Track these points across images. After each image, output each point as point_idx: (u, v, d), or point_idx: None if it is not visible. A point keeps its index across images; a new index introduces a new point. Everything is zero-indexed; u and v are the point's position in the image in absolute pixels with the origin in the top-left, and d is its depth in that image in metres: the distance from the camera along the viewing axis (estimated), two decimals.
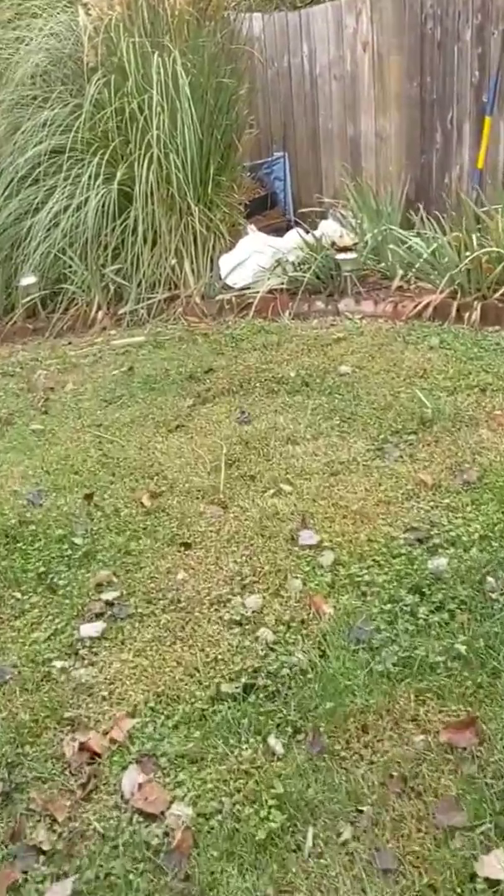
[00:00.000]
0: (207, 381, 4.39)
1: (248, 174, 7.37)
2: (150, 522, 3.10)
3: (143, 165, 5.55)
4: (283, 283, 5.46)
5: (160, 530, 3.04)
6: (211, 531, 2.99)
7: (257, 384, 4.24)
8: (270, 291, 5.47)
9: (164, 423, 3.95)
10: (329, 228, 5.75)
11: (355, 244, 5.23)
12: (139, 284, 5.77)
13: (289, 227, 7.25)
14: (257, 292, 5.53)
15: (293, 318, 5.28)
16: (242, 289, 5.68)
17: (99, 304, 5.86)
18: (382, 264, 5.66)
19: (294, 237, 5.63)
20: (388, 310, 5.05)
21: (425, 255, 5.13)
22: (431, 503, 2.97)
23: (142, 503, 3.21)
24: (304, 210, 6.69)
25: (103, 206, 5.61)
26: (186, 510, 3.14)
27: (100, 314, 5.80)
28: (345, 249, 5.22)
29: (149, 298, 5.75)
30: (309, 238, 5.61)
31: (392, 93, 6.08)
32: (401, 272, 5.45)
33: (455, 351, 4.29)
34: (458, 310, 4.78)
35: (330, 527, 2.90)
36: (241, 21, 6.33)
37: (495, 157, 5.52)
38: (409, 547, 2.75)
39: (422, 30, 5.76)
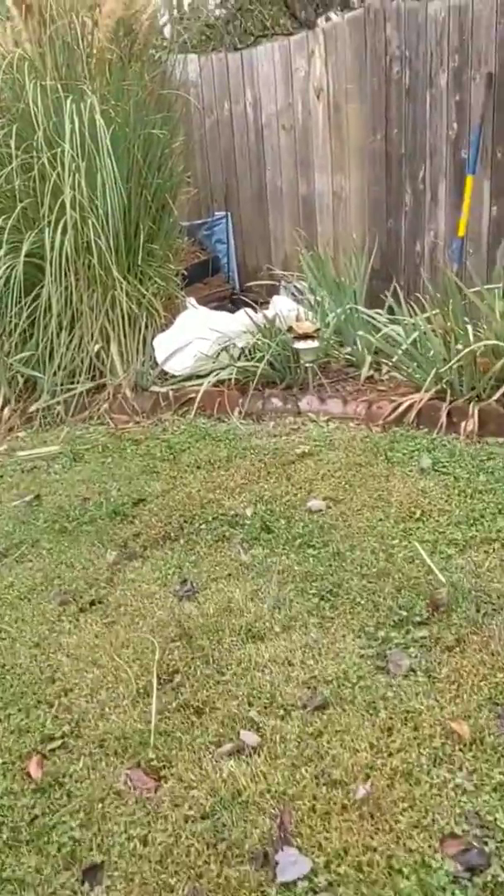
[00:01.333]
0: (137, 519, 3.28)
1: (187, 237, 6.34)
2: (37, 814, 1.95)
3: (56, 232, 4.47)
4: (231, 375, 4.41)
5: (52, 837, 1.90)
6: (134, 845, 1.85)
7: (202, 526, 3.15)
8: (216, 384, 4.42)
9: (74, 594, 2.82)
10: (283, 306, 4.73)
11: (317, 330, 4.21)
12: (55, 374, 4.67)
13: (233, 297, 6.25)
14: (200, 384, 4.48)
15: (245, 418, 4.22)
16: (182, 379, 4.63)
17: (6, 398, 4.74)
18: (348, 349, 4.66)
19: (242, 319, 4.59)
20: (361, 411, 4.02)
21: (405, 346, 4.13)
22: (475, 779, 1.90)
23: (28, 773, 2.07)
24: (251, 284, 5.67)
25: (8, 282, 4.51)
26: (97, 786, 2.00)
27: (5, 412, 4.67)
28: (305, 337, 4.19)
29: (67, 391, 4.65)
30: (260, 319, 4.58)
31: (351, 146, 5.13)
32: (369, 358, 4.45)
33: (456, 479, 3.26)
34: (449, 415, 3.77)
35: (324, 839, 1.77)
36: (174, 63, 5.33)
37: (478, 224, 4.57)
38: (453, 886, 1.66)
39: (387, 74, 4.82)
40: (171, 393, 4.46)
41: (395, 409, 3.93)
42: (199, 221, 6.29)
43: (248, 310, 4.67)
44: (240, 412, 4.26)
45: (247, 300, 5.88)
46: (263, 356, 4.35)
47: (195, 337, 4.63)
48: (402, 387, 4.25)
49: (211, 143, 6.03)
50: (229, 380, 4.40)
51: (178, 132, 5.21)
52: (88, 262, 4.63)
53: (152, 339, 4.92)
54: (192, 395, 4.41)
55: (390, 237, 5.06)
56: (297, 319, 4.49)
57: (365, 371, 4.42)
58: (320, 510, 3.18)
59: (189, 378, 4.58)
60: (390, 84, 4.81)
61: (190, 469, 3.69)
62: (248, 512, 3.20)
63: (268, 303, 5.59)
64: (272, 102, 5.55)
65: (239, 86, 5.74)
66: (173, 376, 4.68)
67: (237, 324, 4.58)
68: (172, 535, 3.14)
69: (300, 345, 4.18)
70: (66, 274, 4.58)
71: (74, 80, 4.58)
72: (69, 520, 3.34)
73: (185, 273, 5.66)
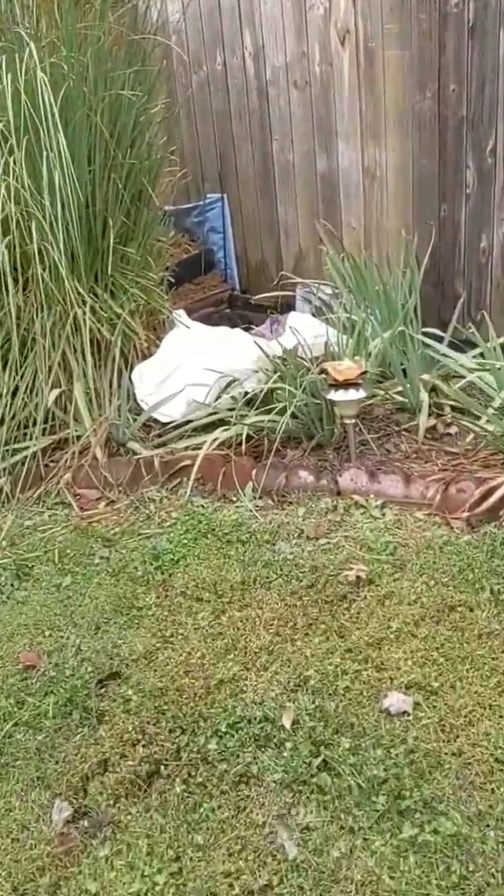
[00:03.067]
0: (105, 724, 1.98)
1: (172, 226, 4.98)
2: None
3: None
4: (240, 433, 3.10)
5: None
6: None
7: (211, 744, 1.84)
8: (222, 444, 3.11)
9: None
10: (304, 328, 3.40)
11: (363, 374, 2.89)
12: None
13: (232, 300, 4.92)
14: (197, 443, 3.16)
15: (261, 498, 2.92)
16: (175, 426, 3.32)
17: None
18: (392, 384, 3.35)
19: (250, 352, 3.25)
20: (433, 495, 2.73)
21: (498, 401, 2.82)
22: None
23: None
24: (258, 298, 4.32)
25: None
26: None
27: None
28: (345, 384, 2.88)
29: (14, 452, 3.33)
30: (274, 350, 3.25)
31: (390, 108, 3.77)
32: (426, 401, 3.15)
33: None
34: None
35: None
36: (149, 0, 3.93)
37: None
38: None
39: (441, 7, 3.46)
40: (157, 459, 3.14)
41: (486, 494, 2.63)
42: (188, 206, 4.91)
43: (259, 339, 3.34)
44: (254, 489, 2.96)
45: (249, 302, 4.58)
46: (284, 408, 3.03)
47: (187, 378, 3.32)
48: (483, 450, 2.95)
49: (200, 106, 4.64)
50: (237, 438, 3.09)
51: (156, 93, 3.82)
52: (38, 273, 3.29)
53: (130, 372, 3.62)
54: (187, 462, 3.10)
55: (444, 229, 3.72)
56: (331, 357, 3.16)
57: (424, 421, 3.12)
58: (404, 713, 1.90)
59: (183, 426, 3.28)
60: (446, 22, 3.44)
61: (187, 604, 2.40)
62: (286, 719, 1.91)
63: (278, 317, 4.28)
64: (279, 52, 4.16)
65: (235, 30, 4.34)
66: (160, 423, 3.39)
67: (244, 359, 3.25)
68: (162, 767, 1.85)
69: (339, 396, 2.86)
70: (5, 292, 3.26)
71: (5, 23, 3.20)
72: None
73: (173, 271, 4.32)
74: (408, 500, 2.76)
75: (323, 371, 2.97)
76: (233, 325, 4.86)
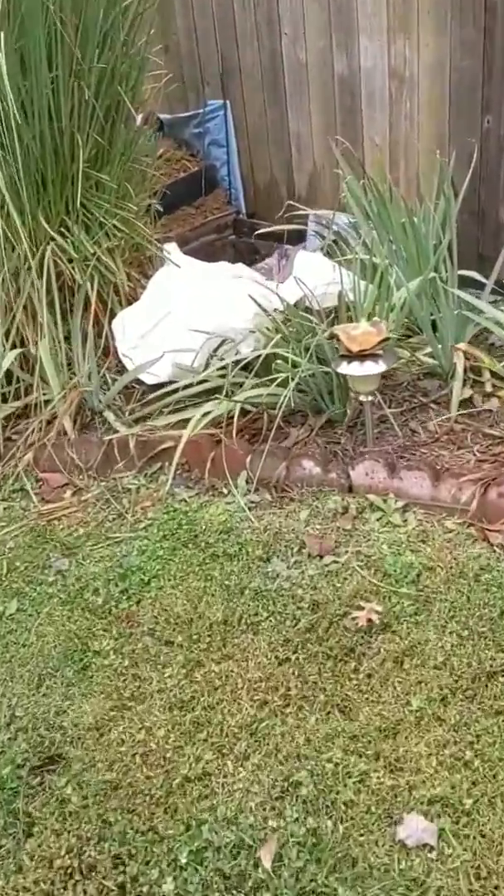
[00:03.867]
0: (29, 844, 1.49)
1: (165, 136, 4.29)
2: None
3: None
4: (231, 410, 2.54)
5: None
6: None
7: (171, 887, 1.40)
8: (212, 422, 2.55)
9: None
10: (313, 274, 2.79)
11: (384, 341, 2.30)
12: None
13: (237, 226, 4.27)
14: (184, 427, 2.60)
15: (257, 491, 2.38)
16: (160, 389, 2.76)
17: None
18: (420, 342, 2.76)
19: (246, 310, 2.65)
20: (468, 499, 2.18)
21: None
22: None
23: None
24: (261, 227, 3.66)
25: None
26: None
27: None
28: (362, 355, 2.28)
29: None
30: (275, 304, 2.65)
31: None
32: (460, 367, 2.56)
33: None
34: None
35: None
36: None
37: None
38: None
39: None
40: (132, 440, 2.59)
41: None
42: (186, 114, 4.22)
43: (258, 287, 2.73)
44: (248, 480, 2.41)
45: (256, 228, 3.94)
46: (287, 378, 2.46)
47: (172, 335, 2.75)
48: None
49: None
50: (229, 414, 2.53)
51: None
52: None
53: (110, 323, 3.06)
54: (170, 444, 2.55)
55: (487, 146, 3.04)
56: (345, 312, 2.56)
57: (458, 391, 2.53)
58: (425, 846, 1.41)
59: (171, 393, 2.72)
60: None
61: (154, 649, 1.89)
62: (266, 855, 1.41)
63: (287, 248, 3.65)
64: None
65: None
66: (144, 383, 2.84)
67: (238, 316, 2.66)
68: None
69: (353, 369, 2.28)
70: None
71: None
72: None
73: (166, 193, 3.69)
74: (436, 504, 2.21)
75: (333, 336, 2.37)
76: (237, 255, 4.24)
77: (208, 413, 2.52)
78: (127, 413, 2.81)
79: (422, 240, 2.84)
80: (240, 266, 3.31)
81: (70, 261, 2.96)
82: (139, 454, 2.59)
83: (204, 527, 2.27)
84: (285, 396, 2.41)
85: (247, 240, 4.17)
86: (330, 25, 3.38)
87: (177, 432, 2.55)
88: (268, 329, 2.63)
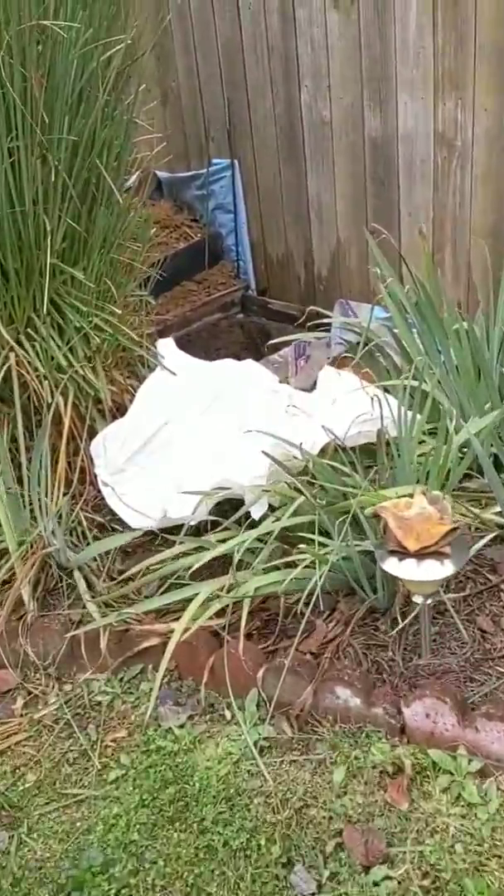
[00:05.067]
0: None
1: (164, 198, 3.67)
2: None
3: None
4: (238, 600, 1.88)
5: None
6: None
7: None
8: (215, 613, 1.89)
9: None
10: (343, 394, 2.15)
11: (452, 531, 1.65)
12: None
13: (245, 303, 3.64)
14: (175, 612, 1.95)
15: (271, 721, 1.72)
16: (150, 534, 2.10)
17: None
18: (495, 508, 2.10)
19: (256, 464, 1.99)
20: None
21: None
22: None
23: None
24: (273, 306, 3.02)
25: None
26: None
27: None
28: (420, 553, 1.64)
29: None
30: (305, 440, 2.00)
31: (484, 39, 2.42)
32: None
33: None
34: None
35: None
36: None
37: None
38: None
39: None
40: (104, 635, 1.93)
41: None
42: (187, 173, 3.60)
43: (270, 440, 2.07)
44: (260, 703, 1.76)
45: (268, 306, 3.34)
46: (313, 562, 1.80)
47: (163, 478, 2.12)
48: None
49: (202, 34, 3.27)
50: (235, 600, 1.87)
51: (130, 14, 2.48)
52: None
53: (89, 442, 2.45)
54: (155, 641, 1.89)
55: None
56: (387, 461, 1.90)
57: None
58: None
59: (165, 536, 2.07)
60: None
61: None
62: None
63: (306, 345, 3.03)
64: None
65: None
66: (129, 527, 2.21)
67: (250, 474, 2.00)
68: None
69: (410, 572, 1.62)
70: None
71: None
72: None
73: (163, 268, 3.05)
74: None
75: (376, 516, 1.72)
76: (245, 337, 3.62)
77: (208, 601, 1.87)
78: (103, 575, 2.17)
79: (481, 358, 2.20)
80: (249, 364, 2.73)
81: (36, 370, 2.33)
82: (114, 651, 1.93)
83: (198, 786, 1.62)
84: (311, 589, 1.75)
85: (256, 320, 3.56)
86: (361, 78, 2.76)
87: (164, 626, 1.90)
88: (287, 485, 1.98)
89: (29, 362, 2.32)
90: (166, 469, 2.35)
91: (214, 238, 3.60)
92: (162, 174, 3.59)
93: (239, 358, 3.51)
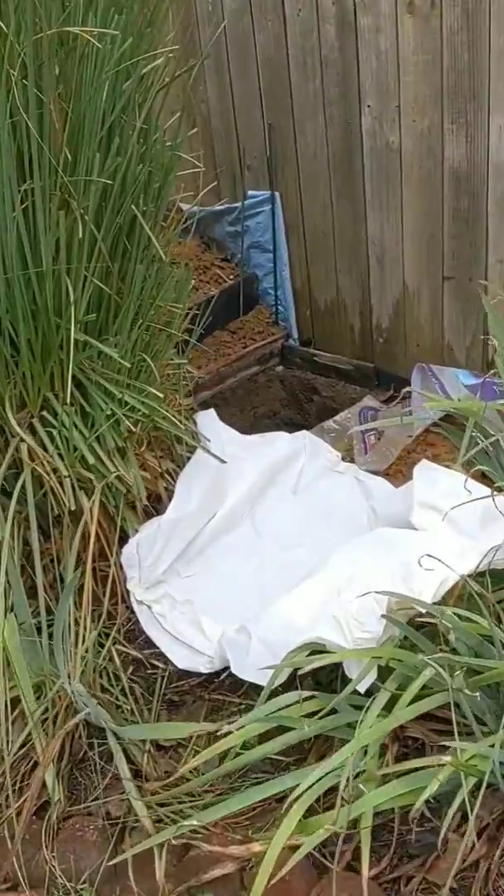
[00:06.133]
0: None
1: (192, 237, 3.18)
2: None
3: None
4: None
5: None
6: None
7: None
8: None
9: None
10: (454, 506, 1.66)
11: None
12: None
13: (286, 354, 3.15)
14: (248, 813, 1.44)
15: None
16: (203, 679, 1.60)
17: None
18: None
19: (361, 613, 1.48)
20: None
21: None
22: None
23: None
24: (320, 358, 2.54)
25: None
26: None
27: None
28: None
29: None
30: (419, 580, 1.50)
31: None
32: None
33: None
34: None
35: None
36: None
37: None
38: None
39: None
40: (163, 856, 1.42)
41: None
42: (218, 207, 3.10)
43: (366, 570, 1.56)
44: None
45: (314, 359, 2.87)
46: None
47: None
48: None
49: (238, 47, 2.78)
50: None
51: (159, 32, 1.98)
52: None
53: (119, 550, 1.97)
54: (231, 869, 1.38)
55: None
56: None
57: None
58: None
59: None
60: None
61: None
62: None
63: (377, 411, 2.56)
64: None
65: None
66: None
67: (347, 635, 1.49)
68: None
69: None
70: None
71: None
72: None
73: (198, 310, 2.53)
74: None
75: None
76: (287, 394, 3.12)
77: (305, 821, 1.36)
78: (146, 747, 1.67)
79: None
80: (303, 436, 2.28)
81: (55, 470, 1.84)
82: (172, 875, 1.42)
83: None
84: (449, 813, 1.24)
85: (300, 373, 3.08)
86: (441, 96, 2.26)
87: (242, 850, 1.38)
88: (400, 645, 1.47)
89: (45, 452, 1.83)
90: (216, 586, 1.87)
91: (249, 280, 3.12)
92: (190, 208, 3.09)
93: (278, 416, 3.03)
